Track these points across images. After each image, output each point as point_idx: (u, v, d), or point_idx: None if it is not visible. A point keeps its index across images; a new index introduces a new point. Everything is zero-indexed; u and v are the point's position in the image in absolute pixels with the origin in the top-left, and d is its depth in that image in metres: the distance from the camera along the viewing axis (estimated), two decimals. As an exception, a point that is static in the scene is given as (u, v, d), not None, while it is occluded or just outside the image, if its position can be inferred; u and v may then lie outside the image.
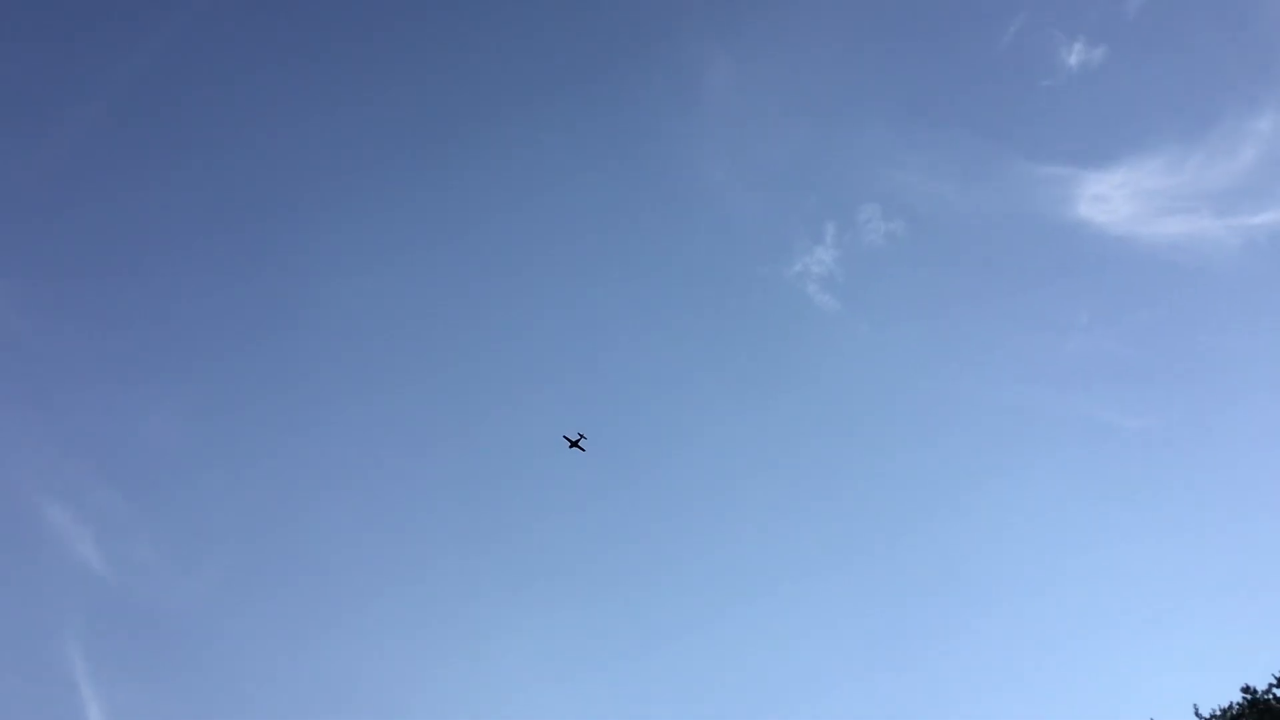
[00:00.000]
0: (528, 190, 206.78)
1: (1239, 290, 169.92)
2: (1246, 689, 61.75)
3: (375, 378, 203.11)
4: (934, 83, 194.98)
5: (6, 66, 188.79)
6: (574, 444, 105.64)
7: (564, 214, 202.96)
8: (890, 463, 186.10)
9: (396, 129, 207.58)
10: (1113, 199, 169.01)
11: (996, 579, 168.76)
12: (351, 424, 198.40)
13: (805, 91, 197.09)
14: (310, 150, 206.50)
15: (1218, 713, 62.24)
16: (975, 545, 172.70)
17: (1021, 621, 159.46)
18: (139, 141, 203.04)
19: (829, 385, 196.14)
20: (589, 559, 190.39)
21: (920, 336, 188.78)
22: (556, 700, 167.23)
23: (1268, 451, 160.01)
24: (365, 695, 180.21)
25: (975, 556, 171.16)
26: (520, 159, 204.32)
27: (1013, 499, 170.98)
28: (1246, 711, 60.32)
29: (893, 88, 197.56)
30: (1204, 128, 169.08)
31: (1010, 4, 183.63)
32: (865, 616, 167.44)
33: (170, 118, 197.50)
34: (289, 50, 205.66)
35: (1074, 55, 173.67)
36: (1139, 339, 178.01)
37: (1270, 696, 60.45)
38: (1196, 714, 63.13)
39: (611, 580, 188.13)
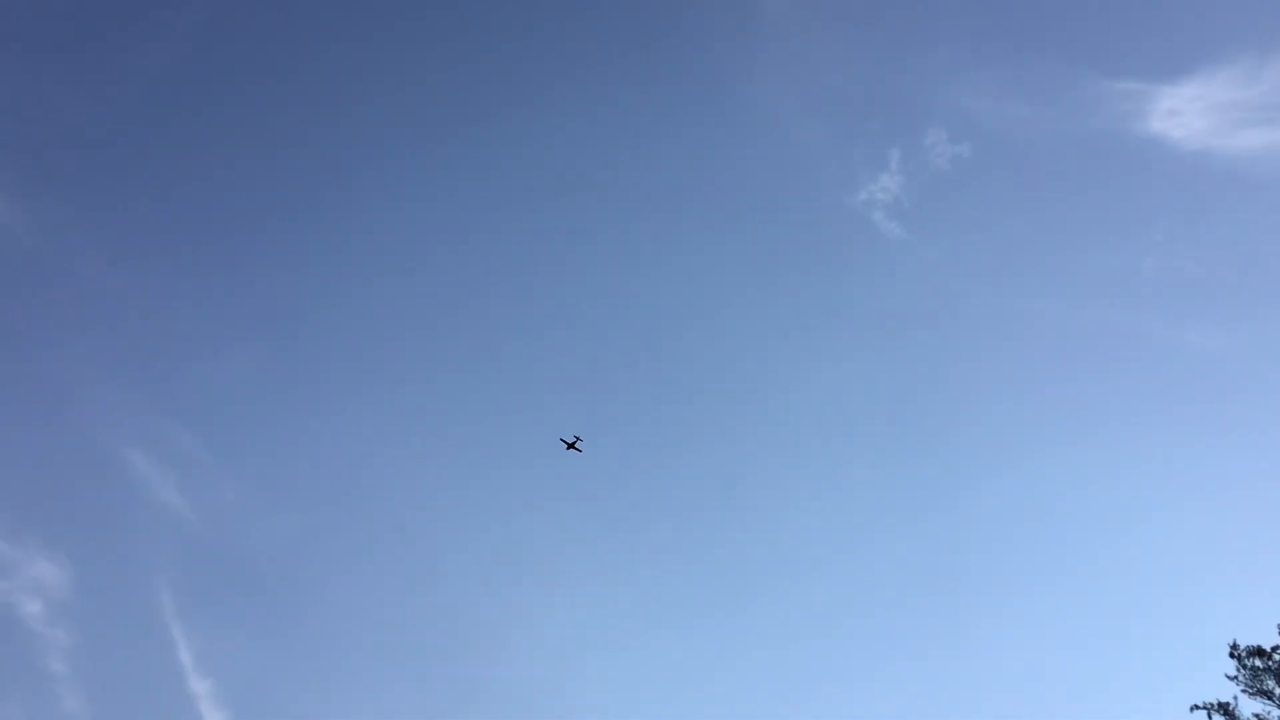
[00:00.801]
0: (581, 117, 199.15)
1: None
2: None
3: (460, 324, 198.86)
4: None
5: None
6: (570, 445, 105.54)
7: (620, 143, 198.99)
8: (962, 391, 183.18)
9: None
10: (1187, 113, 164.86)
11: (1074, 516, 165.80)
12: (429, 372, 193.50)
13: (868, 12, 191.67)
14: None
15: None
16: (1054, 478, 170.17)
17: (1106, 564, 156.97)
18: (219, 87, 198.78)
19: (897, 314, 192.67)
20: (658, 507, 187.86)
21: (990, 261, 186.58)
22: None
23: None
24: (444, 637, 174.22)
25: (1053, 491, 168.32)
26: (576, 84, 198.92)
27: (1089, 426, 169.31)
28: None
29: (958, 5, 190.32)
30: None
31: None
32: (953, 554, 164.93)
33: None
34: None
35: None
36: (1216, 256, 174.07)
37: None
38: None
39: (693, 537, 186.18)
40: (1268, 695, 57.67)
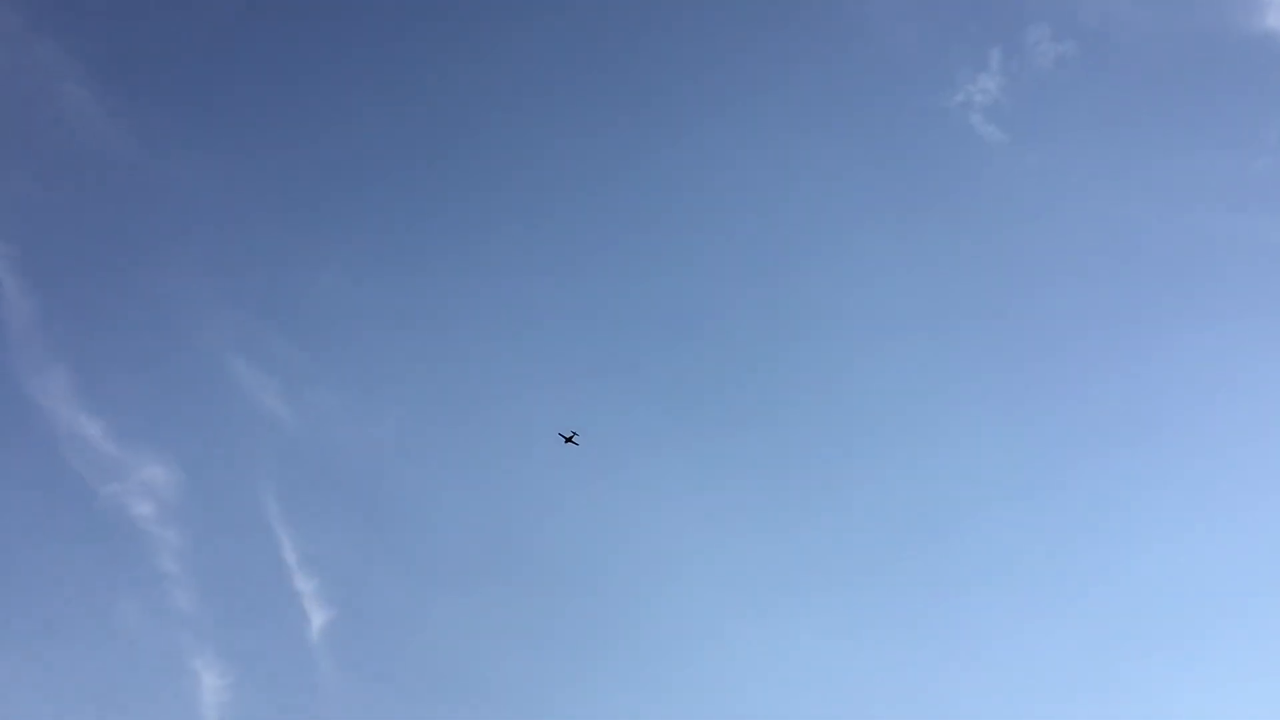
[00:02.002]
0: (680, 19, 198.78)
1: None
2: None
3: (544, 231, 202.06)
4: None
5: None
6: (568, 440, 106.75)
7: (716, 50, 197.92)
8: (1067, 304, 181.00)
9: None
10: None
11: (1192, 428, 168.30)
12: (528, 282, 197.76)
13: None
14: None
15: None
16: (1163, 391, 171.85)
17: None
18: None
19: (997, 220, 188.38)
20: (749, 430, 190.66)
21: (1094, 164, 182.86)
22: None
23: None
24: (537, 544, 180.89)
25: (1165, 404, 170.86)
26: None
27: (1200, 334, 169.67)
28: None
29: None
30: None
31: None
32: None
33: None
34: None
35: None
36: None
37: None
38: None
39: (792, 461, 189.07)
40: None
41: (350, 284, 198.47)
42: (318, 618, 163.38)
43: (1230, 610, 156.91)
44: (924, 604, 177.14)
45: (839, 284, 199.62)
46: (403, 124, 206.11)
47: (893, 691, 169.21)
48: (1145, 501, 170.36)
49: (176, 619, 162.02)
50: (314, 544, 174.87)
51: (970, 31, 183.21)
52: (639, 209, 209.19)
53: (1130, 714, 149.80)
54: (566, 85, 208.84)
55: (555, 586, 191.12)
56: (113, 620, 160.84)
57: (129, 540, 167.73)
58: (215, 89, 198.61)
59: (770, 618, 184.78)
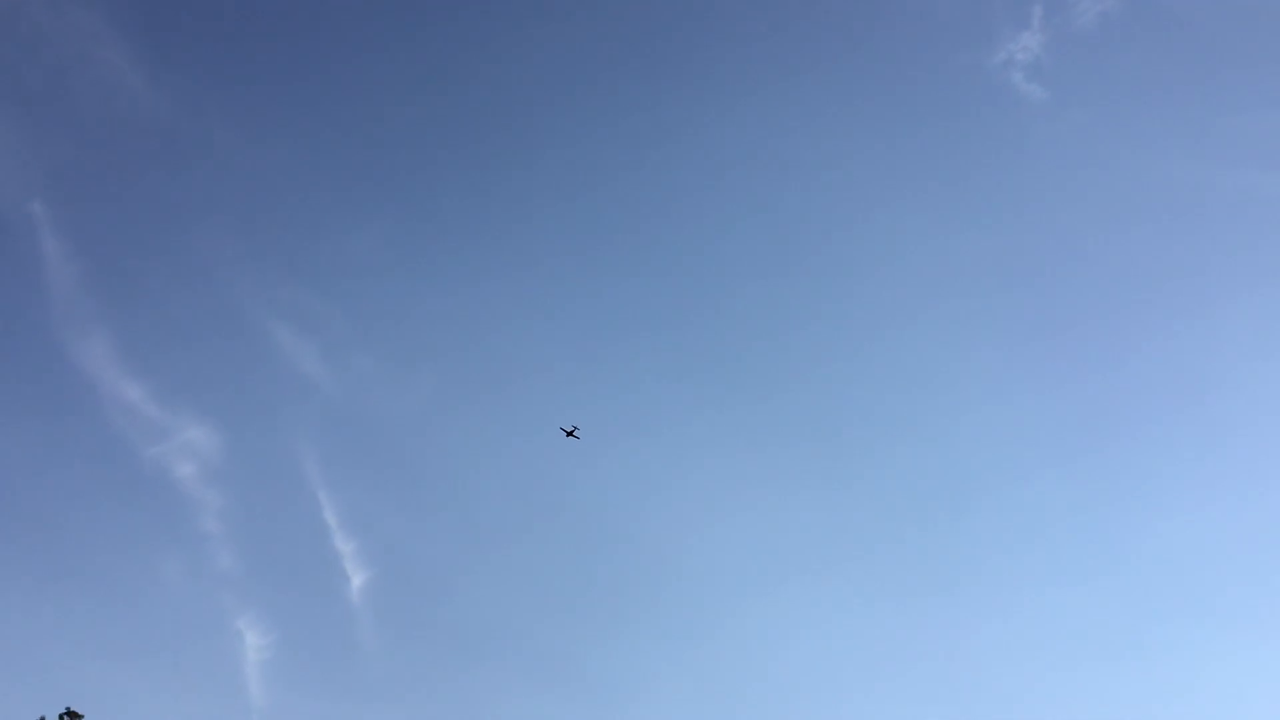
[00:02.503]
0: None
1: None
2: None
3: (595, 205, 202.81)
4: None
5: None
6: (569, 434, 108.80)
7: (758, 11, 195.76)
8: (1108, 258, 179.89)
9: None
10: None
11: (1241, 388, 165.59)
12: (564, 244, 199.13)
13: None
14: None
15: None
16: (1212, 350, 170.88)
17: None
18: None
19: (1038, 181, 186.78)
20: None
21: (1138, 123, 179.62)
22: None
23: None
24: (572, 505, 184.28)
25: (1213, 363, 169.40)
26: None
27: (1248, 294, 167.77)
28: None
29: None
30: None
31: None
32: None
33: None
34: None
35: None
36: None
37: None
38: None
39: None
40: None
41: (388, 250, 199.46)
42: (358, 578, 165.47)
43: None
44: (955, 570, 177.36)
45: (879, 246, 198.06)
46: (443, 92, 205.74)
47: (921, 652, 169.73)
48: (1196, 462, 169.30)
49: (219, 579, 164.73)
50: (354, 505, 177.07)
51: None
52: (674, 171, 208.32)
53: (1163, 674, 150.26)
54: (608, 50, 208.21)
55: (589, 547, 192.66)
56: (158, 580, 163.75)
57: (172, 502, 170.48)
58: (253, 56, 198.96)
59: (801, 580, 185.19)
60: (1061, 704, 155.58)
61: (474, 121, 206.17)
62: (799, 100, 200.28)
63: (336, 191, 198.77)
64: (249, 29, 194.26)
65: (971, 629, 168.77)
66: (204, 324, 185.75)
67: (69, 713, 66.02)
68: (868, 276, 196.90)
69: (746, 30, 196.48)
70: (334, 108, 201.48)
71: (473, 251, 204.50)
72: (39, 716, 65.12)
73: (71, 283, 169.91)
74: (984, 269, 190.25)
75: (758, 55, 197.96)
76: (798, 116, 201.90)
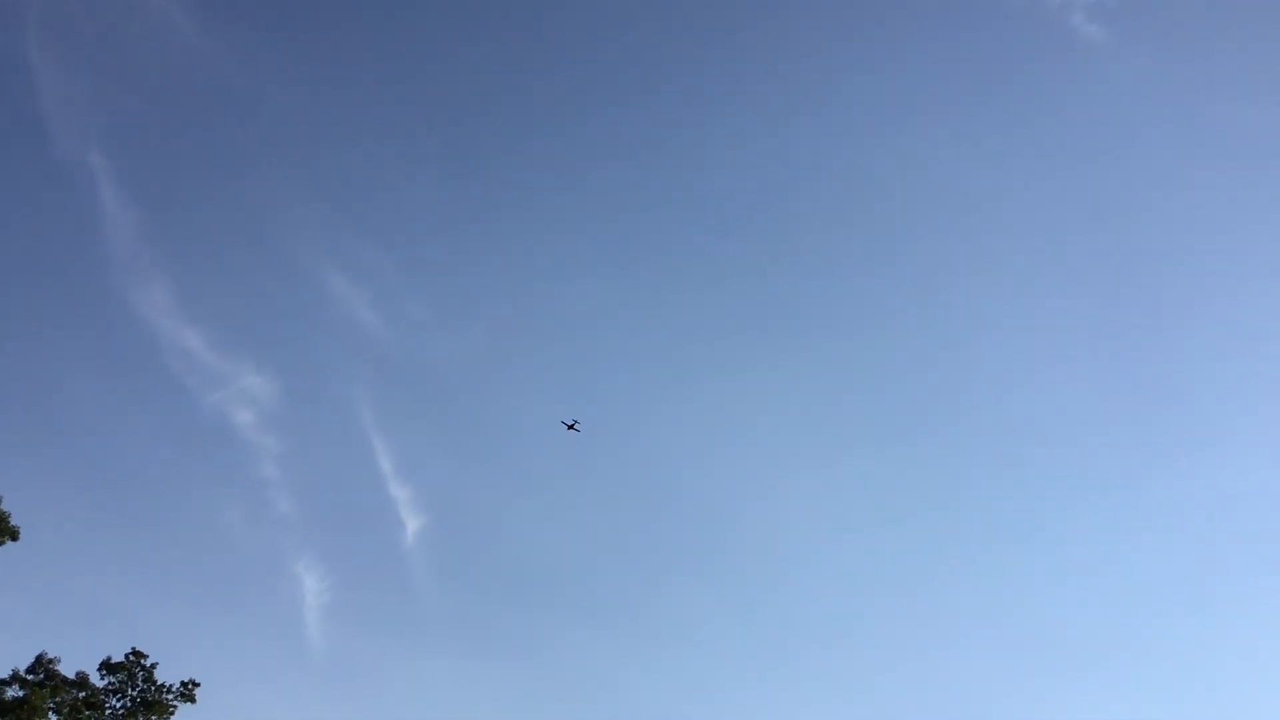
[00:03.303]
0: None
1: None
2: None
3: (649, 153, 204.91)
4: None
5: None
6: (570, 427, 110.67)
7: None
8: (1171, 208, 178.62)
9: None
10: None
11: None
12: (612, 198, 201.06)
13: None
14: None
15: None
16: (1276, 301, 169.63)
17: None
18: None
19: (1099, 126, 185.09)
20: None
21: (1202, 67, 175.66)
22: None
23: None
24: (624, 452, 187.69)
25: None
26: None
27: None
28: None
29: None
30: None
31: None
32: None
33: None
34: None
35: None
36: None
37: None
38: None
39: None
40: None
41: (442, 199, 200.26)
42: (412, 523, 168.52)
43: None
44: (1018, 525, 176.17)
45: (935, 196, 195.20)
46: (502, 41, 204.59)
47: (986, 607, 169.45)
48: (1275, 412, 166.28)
49: (278, 523, 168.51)
50: (407, 453, 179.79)
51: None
52: (731, 122, 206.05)
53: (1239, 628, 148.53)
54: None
55: (640, 495, 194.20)
56: (219, 524, 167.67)
57: (231, 447, 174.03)
58: (308, 5, 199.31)
59: (855, 532, 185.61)
60: (1130, 655, 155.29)
61: (533, 71, 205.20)
62: (854, 44, 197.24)
63: (391, 141, 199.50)
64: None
65: (1036, 583, 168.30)
66: (260, 272, 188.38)
67: (134, 653, 67.51)
68: (926, 228, 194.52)
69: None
70: (389, 57, 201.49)
71: (526, 201, 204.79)
72: (105, 657, 66.71)
73: (130, 232, 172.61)
74: (1043, 218, 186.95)
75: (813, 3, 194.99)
76: (852, 58, 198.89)
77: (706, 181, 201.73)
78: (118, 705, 65.97)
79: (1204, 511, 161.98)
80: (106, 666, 66.40)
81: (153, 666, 67.53)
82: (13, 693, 57.51)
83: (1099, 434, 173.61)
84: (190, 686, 68.50)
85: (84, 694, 63.83)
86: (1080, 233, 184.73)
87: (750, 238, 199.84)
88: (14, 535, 59.83)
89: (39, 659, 61.47)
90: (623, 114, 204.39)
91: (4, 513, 59.42)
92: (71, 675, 63.30)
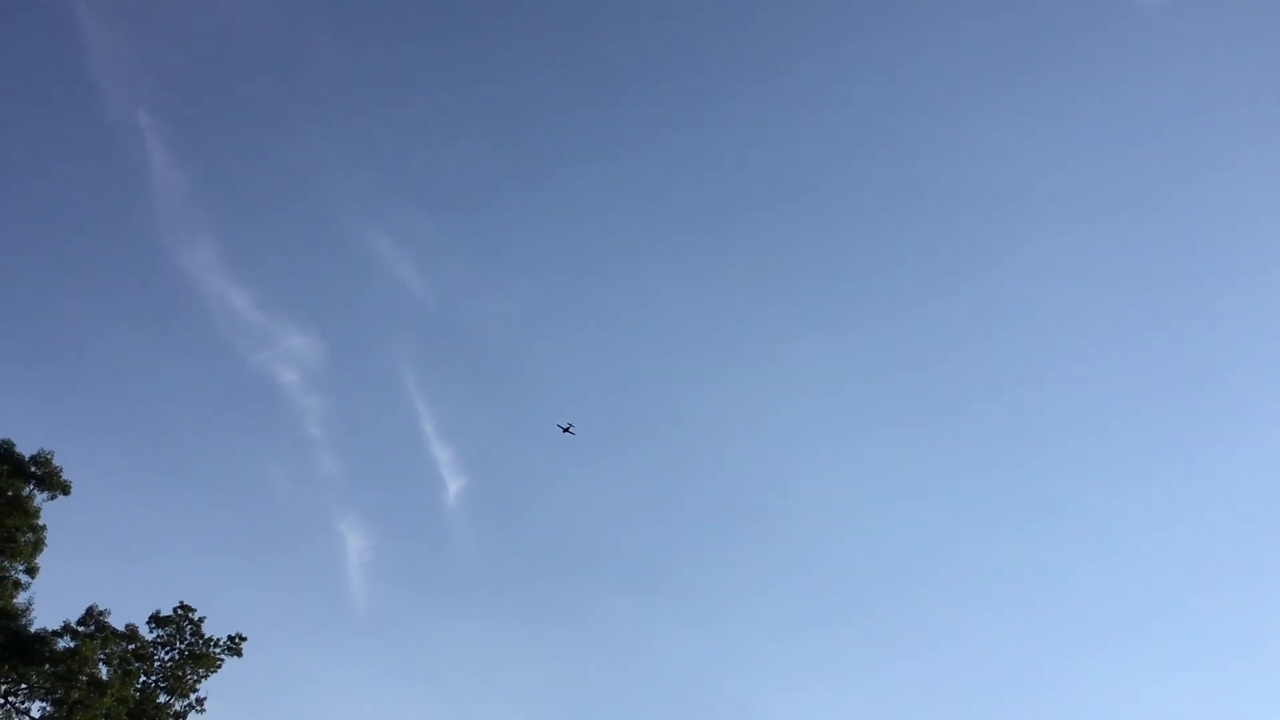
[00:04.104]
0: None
1: None
2: None
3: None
4: None
5: None
6: (565, 429, 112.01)
7: None
8: (1228, 179, 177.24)
9: None
10: None
11: None
12: (649, 155, 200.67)
13: None
14: None
15: None
16: None
17: None
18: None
19: (1154, 93, 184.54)
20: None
21: (1260, 29, 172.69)
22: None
23: None
24: (666, 416, 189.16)
25: None
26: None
27: None
28: None
29: None
30: None
31: None
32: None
33: None
34: None
35: None
36: None
37: None
38: None
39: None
40: None
41: (485, 162, 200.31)
42: (454, 484, 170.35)
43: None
44: (1059, 500, 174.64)
45: (989, 169, 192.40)
46: (545, 5, 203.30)
47: (1023, 579, 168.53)
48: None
49: (322, 482, 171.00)
50: (450, 414, 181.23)
51: None
52: (781, 94, 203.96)
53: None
54: None
55: (681, 459, 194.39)
56: (265, 482, 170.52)
57: (277, 406, 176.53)
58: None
59: (894, 505, 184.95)
60: (1175, 628, 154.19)
61: (578, 31, 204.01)
62: (902, 17, 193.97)
63: (437, 102, 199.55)
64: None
65: (1073, 559, 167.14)
66: (304, 233, 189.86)
67: (182, 607, 68.50)
68: (979, 201, 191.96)
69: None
70: (435, 18, 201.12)
71: (571, 165, 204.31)
72: (154, 610, 67.77)
73: (178, 191, 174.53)
74: (1097, 191, 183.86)
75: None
76: (903, 25, 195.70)
77: (754, 152, 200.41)
78: (166, 658, 67.05)
79: (1236, 491, 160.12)
80: (155, 620, 67.42)
81: (200, 620, 68.54)
82: (64, 644, 58.53)
83: (1135, 414, 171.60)
84: (237, 640, 69.48)
85: (133, 646, 64.88)
86: (1132, 204, 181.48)
87: (794, 213, 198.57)
88: (65, 490, 60.72)
89: (89, 611, 62.47)
90: (671, 80, 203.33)
91: (55, 468, 60.31)
92: (121, 628, 64.34)
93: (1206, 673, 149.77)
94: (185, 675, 66.95)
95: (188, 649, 67.76)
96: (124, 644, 64.05)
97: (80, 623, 61.90)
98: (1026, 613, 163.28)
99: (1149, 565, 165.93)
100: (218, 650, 68.66)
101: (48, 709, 58.14)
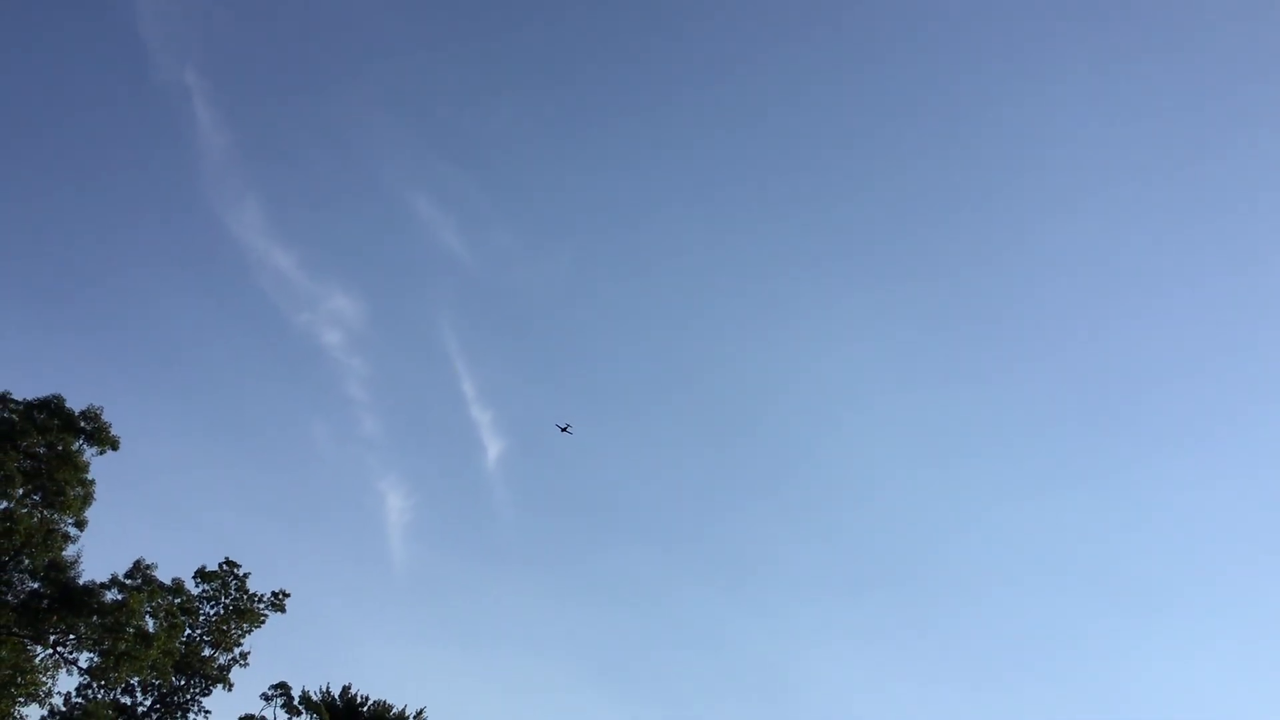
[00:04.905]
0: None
1: None
2: None
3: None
4: None
5: None
6: (563, 430, 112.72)
7: None
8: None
9: None
10: None
11: None
12: (695, 122, 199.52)
13: None
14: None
15: None
16: None
17: None
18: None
19: (1200, 61, 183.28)
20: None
21: None
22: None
23: None
24: (706, 381, 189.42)
25: None
26: None
27: None
28: None
29: None
30: None
31: None
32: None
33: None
34: None
35: None
36: None
37: None
38: None
39: None
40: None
41: (528, 124, 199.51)
42: (493, 447, 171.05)
43: None
44: (1111, 464, 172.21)
45: (1041, 132, 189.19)
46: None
47: (1071, 544, 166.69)
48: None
49: (364, 443, 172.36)
50: (490, 377, 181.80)
51: None
52: (825, 55, 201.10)
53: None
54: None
55: (722, 423, 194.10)
56: (308, 441, 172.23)
57: (320, 367, 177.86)
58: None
59: (946, 469, 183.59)
60: (1227, 598, 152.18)
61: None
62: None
63: (479, 64, 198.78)
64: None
65: (1125, 525, 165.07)
66: (348, 194, 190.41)
67: (227, 562, 69.30)
68: (1031, 163, 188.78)
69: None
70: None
71: (614, 129, 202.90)
72: (200, 565, 68.61)
73: (223, 151, 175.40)
74: (1144, 156, 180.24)
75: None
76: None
77: (799, 107, 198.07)
78: (211, 612, 68.02)
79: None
80: (201, 574, 68.37)
81: (245, 576, 69.42)
82: (112, 596, 59.35)
83: (1209, 370, 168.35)
84: (281, 596, 70.31)
85: (179, 600, 65.78)
86: (1181, 170, 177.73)
87: (842, 168, 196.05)
88: (114, 445, 61.39)
89: (136, 564, 63.31)
90: (717, 32, 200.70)
91: (105, 423, 60.97)
92: (167, 582, 65.24)
93: (1246, 645, 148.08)
94: (230, 629, 67.90)
95: (232, 604, 68.67)
96: (170, 597, 64.95)
97: (128, 576, 62.75)
98: (1072, 580, 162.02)
99: (1191, 533, 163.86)
100: (261, 606, 69.51)
101: (95, 659, 59.09)
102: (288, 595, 70.60)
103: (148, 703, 65.93)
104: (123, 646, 57.93)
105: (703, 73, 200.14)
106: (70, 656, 58.81)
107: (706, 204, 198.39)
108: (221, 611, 68.23)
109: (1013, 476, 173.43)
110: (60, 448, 59.35)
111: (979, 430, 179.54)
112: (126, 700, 65.52)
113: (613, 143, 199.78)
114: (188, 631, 66.29)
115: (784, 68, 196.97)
